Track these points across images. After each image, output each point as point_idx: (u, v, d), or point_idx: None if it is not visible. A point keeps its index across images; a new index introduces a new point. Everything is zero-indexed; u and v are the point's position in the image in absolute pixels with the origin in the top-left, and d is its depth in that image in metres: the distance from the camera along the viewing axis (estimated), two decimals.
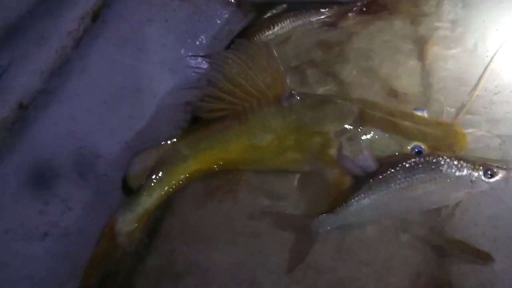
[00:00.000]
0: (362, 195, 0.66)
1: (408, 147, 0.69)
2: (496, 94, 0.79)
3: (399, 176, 0.66)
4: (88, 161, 0.72)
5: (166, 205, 0.75)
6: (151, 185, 0.73)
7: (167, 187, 0.74)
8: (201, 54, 0.89)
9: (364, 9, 0.96)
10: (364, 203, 0.66)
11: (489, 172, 0.65)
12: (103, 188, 0.73)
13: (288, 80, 0.76)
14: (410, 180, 0.65)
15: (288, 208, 0.73)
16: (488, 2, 0.91)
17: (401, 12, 0.94)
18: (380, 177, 0.67)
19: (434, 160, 0.66)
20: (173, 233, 0.73)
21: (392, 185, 0.66)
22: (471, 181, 0.65)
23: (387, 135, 0.70)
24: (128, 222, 0.70)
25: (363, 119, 0.71)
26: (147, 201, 0.72)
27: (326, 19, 0.95)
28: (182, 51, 0.89)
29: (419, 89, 0.82)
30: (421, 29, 0.91)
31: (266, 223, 0.71)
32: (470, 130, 0.74)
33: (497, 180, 0.65)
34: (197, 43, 0.92)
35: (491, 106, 0.78)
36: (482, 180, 0.65)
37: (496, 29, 0.87)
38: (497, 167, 0.65)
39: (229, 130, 0.75)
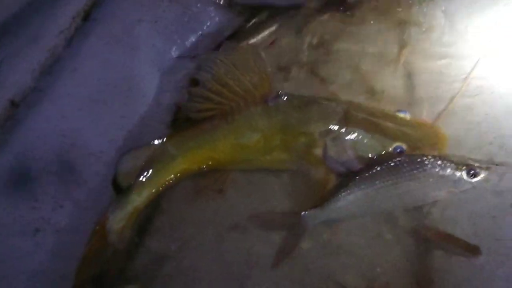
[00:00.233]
0: (349, 191, 0.68)
1: (390, 147, 0.71)
2: (476, 95, 0.80)
3: (384, 174, 0.68)
4: (79, 159, 0.73)
5: (156, 204, 0.76)
6: (140, 183, 0.74)
7: (156, 186, 0.74)
8: (190, 54, 0.90)
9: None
10: (350, 198, 0.68)
11: (471, 172, 0.67)
12: (94, 186, 0.74)
13: (274, 81, 0.78)
14: (395, 178, 0.67)
15: (275, 206, 0.74)
16: (471, 8, 0.93)
17: (387, 15, 0.96)
18: (366, 174, 0.68)
19: (418, 160, 0.68)
20: (162, 231, 0.74)
21: (378, 182, 0.67)
22: (454, 181, 0.67)
23: (370, 135, 0.72)
24: (118, 220, 0.71)
25: (347, 120, 0.72)
26: (137, 199, 0.73)
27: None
28: (172, 52, 0.91)
29: (400, 90, 0.84)
30: (403, 32, 0.92)
31: (254, 222, 0.72)
32: (450, 131, 0.75)
33: (479, 180, 0.67)
34: (186, 43, 0.93)
35: (472, 108, 0.79)
36: (465, 179, 0.67)
37: (478, 34, 0.89)
38: (479, 167, 0.68)
39: (217, 130, 0.76)
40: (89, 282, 0.69)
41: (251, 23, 0.97)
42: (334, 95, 0.84)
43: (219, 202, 0.76)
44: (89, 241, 0.70)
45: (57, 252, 0.67)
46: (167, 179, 0.75)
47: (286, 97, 0.76)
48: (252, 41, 0.93)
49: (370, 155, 0.71)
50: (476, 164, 0.68)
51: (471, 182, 0.67)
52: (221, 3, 0.99)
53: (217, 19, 0.97)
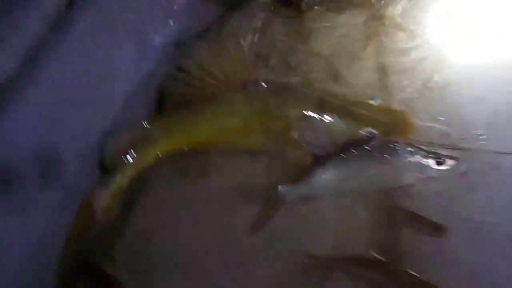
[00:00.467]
0: (325, 170, 0.72)
1: (362, 132, 0.75)
2: (446, 85, 0.83)
3: (358, 156, 0.72)
4: (65, 143, 0.75)
5: (141, 184, 0.79)
6: (125, 164, 0.76)
7: (139, 166, 0.77)
8: (174, 42, 0.92)
9: None
10: (325, 177, 0.72)
11: (438, 161, 0.71)
12: (79, 168, 0.76)
13: (254, 68, 0.81)
14: (368, 161, 0.72)
15: (254, 184, 0.77)
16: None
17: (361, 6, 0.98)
18: (343, 156, 0.73)
19: (390, 145, 0.72)
20: (147, 209, 0.78)
21: (352, 163, 0.72)
22: (422, 167, 0.72)
23: (342, 120, 0.76)
24: (104, 198, 0.74)
25: (322, 106, 0.76)
26: (121, 179, 0.76)
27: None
28: (155, 39, 0.92)
29: (371, 77, 0.87)
30: (375, 22, 0.94)
31: (235, 198, 0.76)
32: (418, 119, 0.79)
33: (445, 168, 0.72)
34: (169, 31, 0.94)
35: (440, 98, 0.82)
36: (432, 167, 0.72)
37: (448, 25, 0.91)
38: (447, 156, 0.72)
39: (198, 114, 0.79)
40: (75, 257, 0.72)
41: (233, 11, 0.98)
42: (304, 78, 0.87)
43: (201, 182, 0.79)
44: (76, 217, 0.73)
45: (44, 229, 0.69)
46: (150, 159, 0.78)
47: (265, 84, 0.80)
48: (234, 29, 0.94)
49: (342, 139, 0.75)
50: (444, 153, 0.72)
51: (437, 170, 0.72)
52: None
53: (199, 5, 0.98)
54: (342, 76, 0.87)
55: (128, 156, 0.77)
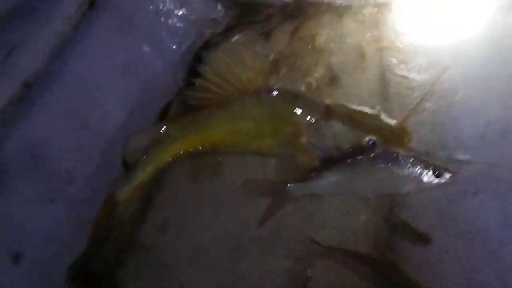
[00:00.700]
0: (331, 172, 0.77)
1: (365, 139, 0.78)
2: (442, 97, 0.85)
3: (363, 163, 0.76)
4: (86, 139, 0.79)
5: (158, 181, 0.84)
6: (145, 161, 0.82)
7: (158, 163, 0.83)
8: (192, 48, 0.97)
9: None
10: (332, 178, 0.77)
11: (436, 173, 0.74)
12: (101, 163, 0.81)
13: (267, 75, 0.85)
14: (371, 168, 0.76)
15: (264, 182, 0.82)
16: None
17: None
18: (349, 161, 0.77)
19: (394, 155, 0.76)
20: (164, 205, 0.83)
21: (357, 168, 0.77)
22: (421, 178, 0.75)
23: (347, 128, 0.80)
24: (125, 193, 0.80)
25: (328, 114, 0.81)
26: (142, 175, 0.81)
27: None
28: (174, 42, 0.97)
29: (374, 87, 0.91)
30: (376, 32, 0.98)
31: (246, 195, 0.81)
32: (416, 130, 0.81)
33: (443, 181, 0.75)
34: (184, 35, 0.99)
35: (438, 109, 0.85)
36: (430, 178, 0.75)
37: (447, 39, 0.93)
38: (444, 169, 0.75)
39: (214, 116, 0.84)
40: (100, 243, 0.77)
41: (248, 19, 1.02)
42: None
43: (214, 181, 0.84)
44: (101, 209, 0.79)
45: (71, 218, 0.75)
46: (167, 158, 0.83)
47: (277, 91, 0.84)
48: (249, 37, 0.98)
49: (347, 145, 0.79)
50: (442, 166, 0.75)
51: (435, 182, 0.75)
52: None
53: (214, 11, 1.03)
54: (346, 85, 0.92)
55: (148, 154, 0.83)
